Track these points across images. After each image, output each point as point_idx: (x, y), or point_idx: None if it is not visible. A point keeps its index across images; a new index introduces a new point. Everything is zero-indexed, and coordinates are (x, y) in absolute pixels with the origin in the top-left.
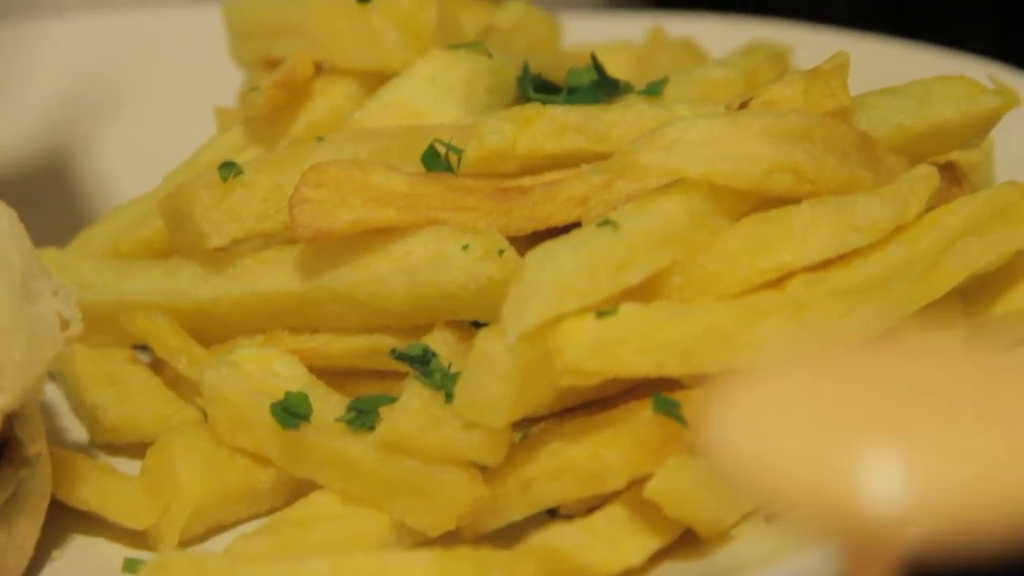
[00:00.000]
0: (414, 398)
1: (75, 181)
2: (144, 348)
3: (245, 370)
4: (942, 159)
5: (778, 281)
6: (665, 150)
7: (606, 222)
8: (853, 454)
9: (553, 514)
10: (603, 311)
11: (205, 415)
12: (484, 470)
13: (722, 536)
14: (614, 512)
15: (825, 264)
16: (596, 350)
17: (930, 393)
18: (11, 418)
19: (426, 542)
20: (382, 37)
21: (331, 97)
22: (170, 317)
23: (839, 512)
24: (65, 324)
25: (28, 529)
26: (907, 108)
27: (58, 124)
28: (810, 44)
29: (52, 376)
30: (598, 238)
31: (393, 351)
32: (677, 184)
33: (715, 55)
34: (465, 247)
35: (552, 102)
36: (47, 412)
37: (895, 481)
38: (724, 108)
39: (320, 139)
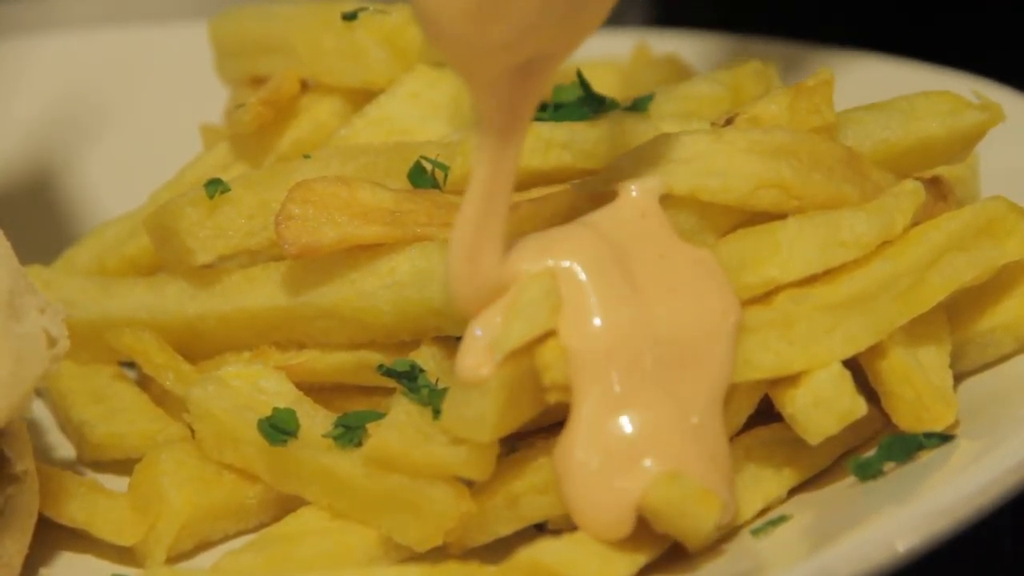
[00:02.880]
0: (401, 414)
1: (61, 199)
2: (131, 365)
3: (232, 386)
4: (927, 174)
5: (764, 296)
6: (651, 167)
7: None
8: None
9: (541, 529)
10: None
11: (192, 431)
12: (471, 485)
13: (709, 550)
14: None
15: (811, 279)
16: None
17: None
18: None
19: (414, 557)
20: (368, 54)
21: (317, 114)
22: (156, 334)
23: None
24: (52, 341)
25: (15, 546)
26: (892, 123)
27: (43, 142)
28: (795, 60)
29: (39, 393)
30: None
31: (380, 367)
32: (663, 200)
33: (700, 71)
34: None
35: (538, 119)
36: (34, 429)
37: None
38: (710, 124)
39: (306, 156)
